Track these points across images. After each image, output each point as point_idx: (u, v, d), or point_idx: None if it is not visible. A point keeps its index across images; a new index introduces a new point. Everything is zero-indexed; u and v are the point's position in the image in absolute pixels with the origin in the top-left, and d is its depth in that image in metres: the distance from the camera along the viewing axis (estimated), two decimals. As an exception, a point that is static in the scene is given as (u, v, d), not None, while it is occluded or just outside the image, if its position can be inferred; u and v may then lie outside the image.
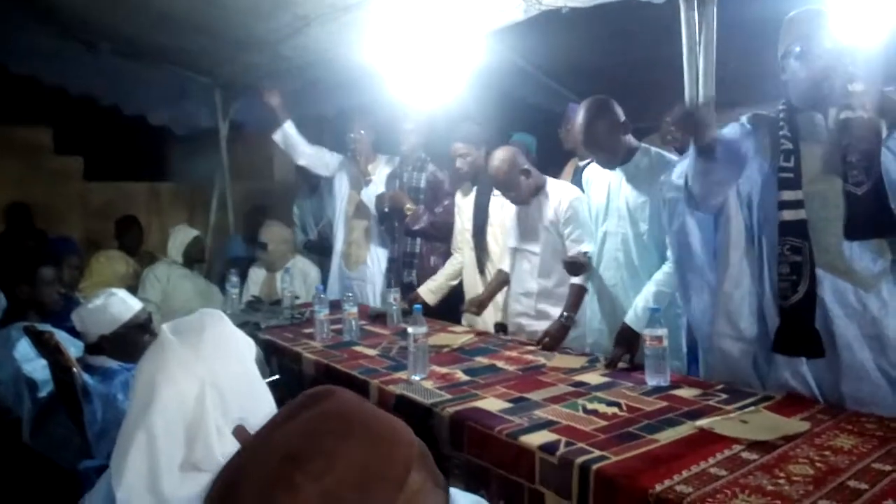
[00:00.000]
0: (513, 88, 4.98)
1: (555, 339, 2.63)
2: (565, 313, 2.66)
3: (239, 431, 0.70)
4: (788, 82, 1.91)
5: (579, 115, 2.47)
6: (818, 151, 1.84)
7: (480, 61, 3.31)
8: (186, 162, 6.49)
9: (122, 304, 2.19)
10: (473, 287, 3.38)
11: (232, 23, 3.40)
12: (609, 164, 2.52)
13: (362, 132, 3.96)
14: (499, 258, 3.23)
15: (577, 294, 2.69)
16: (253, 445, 0.65)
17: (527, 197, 2.89)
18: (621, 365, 2.30)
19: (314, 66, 3.90)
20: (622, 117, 2.46)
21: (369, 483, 0.59)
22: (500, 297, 3.19)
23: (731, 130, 1.97)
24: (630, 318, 2.36)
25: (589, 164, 2.90)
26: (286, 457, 0.60)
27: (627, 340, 2.34)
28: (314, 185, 4.74)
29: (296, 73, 4.08)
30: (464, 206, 3.48)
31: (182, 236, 4.08)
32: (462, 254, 3.48)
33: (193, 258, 4.09)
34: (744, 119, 1.98)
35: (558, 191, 2.86)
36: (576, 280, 2.71)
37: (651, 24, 3.33)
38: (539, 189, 2.89)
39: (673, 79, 2.46)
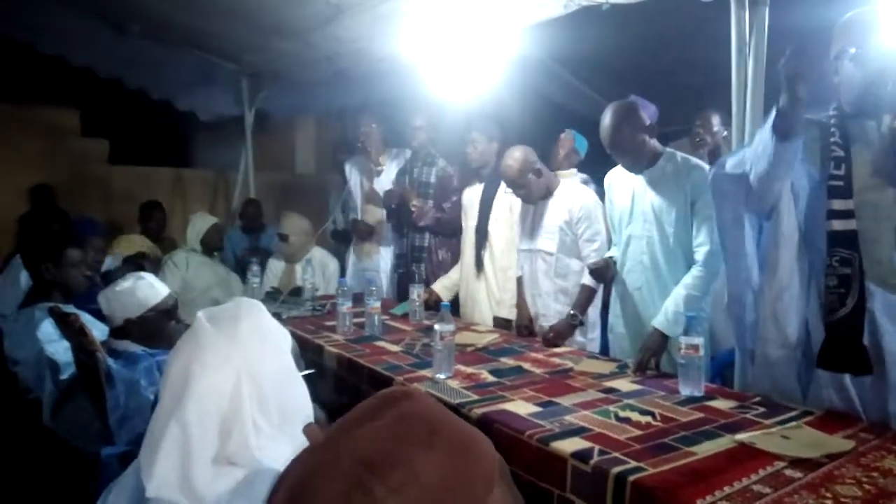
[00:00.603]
0: (540, 86, 4.93)
1: (559, 336, 2.67)
2: (572, 311, 2.70)
3: (310, 431, 0.66)
4: (841, 85, 1.84)
5: (605, 118, 2.42)
6: (870, 159, 1.77)
7: (513, 56, 3.26)
8: (210, 149, 6.51)
9: (150, 289, 2.17)
10: (468, 283, 3.40)
11: (263, 8, 3.38)
12: (634, 167, 2.48)
13: (373, 125, 3.98)
14: (501, 254, 3.23)
15: (587, 294, 2.75)
16: (326, 448, 0.61)
17: (537, 196, 2.91)
18: (649, 372, 2.24)
19: (343, 57, 3.88)
20: (647, 121, 2.43)
21: (451, 496, 0.55)
22: (508, 295, 3.19)
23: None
24: (659, 322, 2.31)
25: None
26: (366, 462, 0.56)
27: (656, 344, 2.29)
28: (348, 178, 4.72)
29: (324, 63, 4.06)
30: (469, 206, 3.46)
31: (201, 223, 4.07)
32: (463, 249, 3.49)
33: (212, 246, 4.08)
34: None
35: (572, 191, 2.89)
36: (588, 281, 2.72)
37: (687, 25, 3.28)
38: (552, 190, 2.90)
39: (704, 83, 2.42)
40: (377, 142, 4.00)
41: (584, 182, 3.69)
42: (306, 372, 1.21)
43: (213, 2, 3.41)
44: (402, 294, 3.66)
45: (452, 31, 3.04)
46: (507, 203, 3.25)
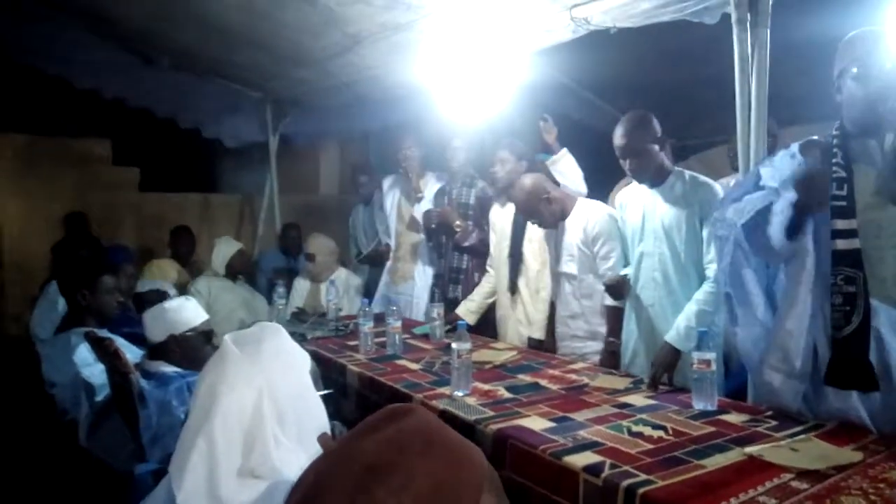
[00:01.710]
0: (557, 105, 4.99)
1: (611, 367, 2.68)
2: (610, 339, 2.72)
3: (324, 440, 0.74)
4: (843, 103, 1.88)
5: (619, 124, 2.51)
6: (872, 179, 1.80)
7: (526, 79, 3.34)
8: (237, 174, 6.69)
9: (196, 310, 2.29)
10: (505, 308, 3.40)
11: (284, 39, 3.51)
12: (641, 174, 2.54)
13: (413, 149, 4.02)
14: (535, 275, 3.25)
15: (616, 316, 2.75)
16: (337, 453, 0.69)
17: (550, 222, 2.97)
18: (663, 387, 2.28)
19: (361, 83, 3.99)
20: (659, 133, 2.50)
21: (442, 501, 0.62)
22: (540, 316, 3.21)
23: (780, 159, 1.93)
24: (672, 337, 2.35)
25: (628, 185, 2.90)
26: (369, 467, 0.64)
27: (668, 359, 2.33)
28: (368, 199, 4.82)
29: (343, 90, 4.18)
30: (497, 222, 3.50)
31: (226, 249, 4.18)
32: (496, 271, 3.49)
33: (236, 270, 4.19)
34: (794, 147, 1.94)
35: (587, 210, 2.91)
36: (609, 302, 2.74)
37: (700, 42, 3.32)
38: (567, 212, 2.95)
39: (720, 98, 2.46)
40: (417, 166, 4.03)
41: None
42: (324, 392, 1.29)
43: (236, 34, 3.55)
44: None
45: (464, 57, 3.13)
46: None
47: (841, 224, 1.80)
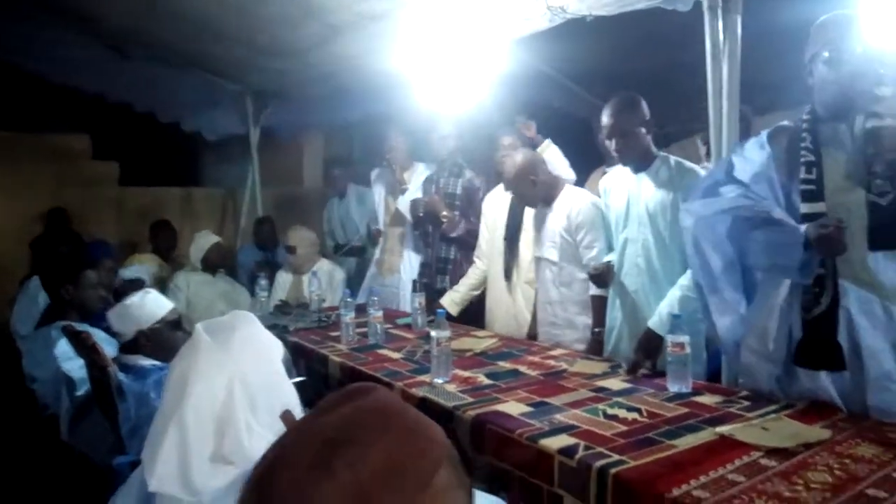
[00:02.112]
0: (538, 94, 5.01)
1: (593, 351, 2.72)
2: (596, 329, 2.73)
3: (285, 415, 0.76)
4: (815, 87, 1.89)
5: (608, 104, 2.50)
6: (841, 162, 1.83)
7: (506, 67, 3.35)
8: (218, 167, 6.66)
9: (158, 301, 2.29)
10: (499, 295, 3.37)
11: (263, 31, 3.49)
12: (627, 154, 2.52)
13: (398, 140, 4.00)
14: (528, 265, 3.24)
15: (601, 306, 2.74)
16: (298, 429, 0.71)
17: (528, 201, 3.00)
18: (643, 371, 2.30)
19: (342, 74, 3.98)
20: (648, 116, 2.49)
21: (399, 474, 0.64)
22: (532, 305, 3.20)
23: (750, 149, 1.95)
24: (654, 323, 2.36)
25: (612, 170, 2.91)
26: (326, 441, 0.65)
27: (650, 345, 2.34)
28: (342, 192, 4.82)
29: (324, 80, 4.16)
30: (488, 212, 3.49)
31: (202, 242, 4.17)
32: (485, 262, 3.47)
33: (213, 263, 4.16)
34: (763, 134, 1.96)
35: (571, 198, 2.90)
36: (595, 291, 2.75)
37: (678, 29, 3.35)
38: (553, 197, 2.94)
39: (698, 86, 2.48)
40: (402, 157, 4.00)
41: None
42: (297, 379, 1.30)
43: (214, 27, 3.53)
44: (429, 304, 3.45)
45: (443, 46, 3.13)
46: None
47: (809, 208, 1.83)
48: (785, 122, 1.97)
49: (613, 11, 2.52)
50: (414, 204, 3.78)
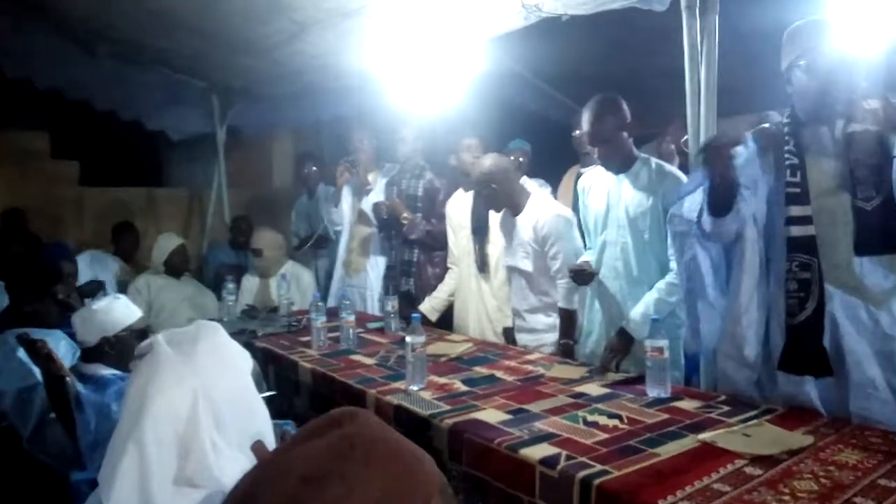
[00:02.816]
0: (512, 95, 4.98)
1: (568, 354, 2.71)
2: (562, 341, 2.71)
3: (257, 448, 0.68)
4: (795, 95, 1.88)
5: (588, 108, 2.45)
6: (825, 165, 1.82)
7: (480, 68, 3.30)
8: (184, 167, 6.49)
9: (127, 308, 2.19)
10: (469, 295, 3.35)
11: (227, 26, 3.39)
12: (610, 160, 2.48)
13: (364, 142, 3.97)
14: (495, 264, 3.23)
15: (569, 319, 2.74)
16: (271, 462, 0.63)
17: (489, 206, 3.01)
18: (617, 376, 2.27)
19: (311, 72, 3.89)
20: (628, 118, 2.45)
21: None
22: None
23: (740, 154, 1.91)
24: (627, 325, 2.35)
25: (588, 170, 2.88)
26: (304, 478, 0.58)
27: (620, 345, 2.34)
28: (312, 191, 4.73)
29: (292, 79, 4.08)
30: (452, 214, 3.47)
31: (165, 244, 4.01)
32: (459, 266, 3.45)
33: (176, 267, 4.01)
34: (749, 137, 1.94)
35: (537, 210, 2.87)
36: (563, 304, 2.74)
37: (652, 32, 3.34)
38: (519, 207, 2.91)
39: (673, 88, 2.45)
40: (367, 159, 3.98)
41: (541, 186, 3.73)
42: (267, 394, 1.22)
43: (178, 22, 3.41)
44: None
45: (415, 44, 3.07)
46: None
47: (795, 210, 1.81)
48: (766, 125, 1.96)
49: (589, 11, 2.48)
50: (376, 207, 3.77)
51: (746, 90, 3.61)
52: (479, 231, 3.28)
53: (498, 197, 2.90)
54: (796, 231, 1.81)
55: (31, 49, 3.91)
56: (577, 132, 3.67)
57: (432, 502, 0.61)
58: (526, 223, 2.87)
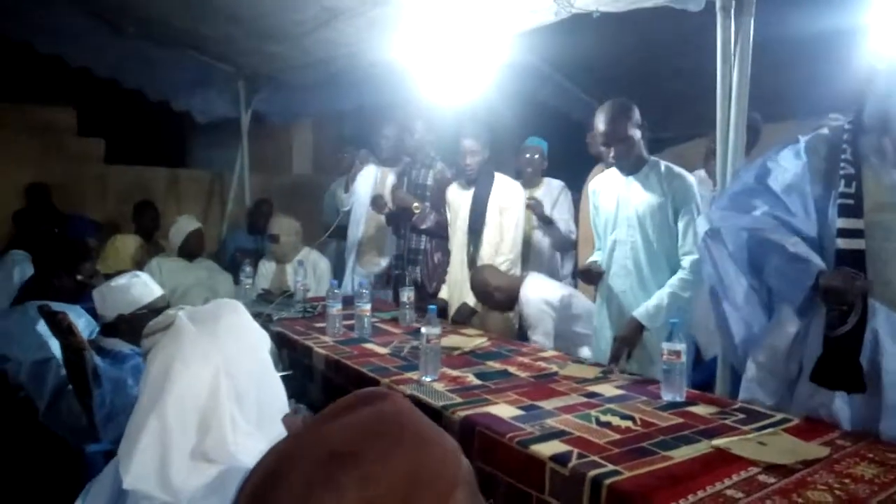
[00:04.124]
0: (534, 91, 4.96)
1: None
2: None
3: (289, 420, 0.68)
4: (869, 93, 1.79)
5: (603, 110, 2.49)
6: (885, 178, 1.75)
7: (506, 61, 3.29)
8: (207, 150, 6.54)
9: (145, 287, 2.21)
10: (454, 284, 3.45)
11: (259, 12, 3.40)
12: (623, 161, 2.53)
13: (390, 136, 4.02)
14: (488, 258, 3.31)
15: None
16: (302, 436, 0.63)
17: (504, 307, 3.17)
18: (630, 377, 2.27)
19: (337, 60, 3.90)
20: (640, 121, 2.50)
21: (412, 496, 0.57)
22: None
23: (785, 157, 1.88)
24: (640, 313, 2.40)
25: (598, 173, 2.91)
26: (335, 454, 0.58)
27: (631, 333, 2.37)
28: (344, 173, 4.75)
29: (319, 67, 4.09)
30: (454, 199, 3.52)
31: (184, 226, 4.01)
32: (452, 246, 3.54)
33: (191, 250, 4.01)
34: (801, 142, 1.87)
35: (525, 296, 3.02)
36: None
37: (679, 33, 3.31)
38: (513, 301, 3.07)
39: (698, 91, 2.45)
40: (391, 154, 4.05)
41: (561, 189, 3.78)
42: (284, 373, 1.23)
43: (209, 6, 3.43)
44: (397, 297, 3.67)
45: (445, 36, 3.06)
46: (496, 207, 3.32)
47: (846, 223, 1.75)
48: (824, 131, 1.87)
49: (622, 8, 2.47)
50: (374, 201, 3.80)
51: (791, 95, 3.57)
52: (475, 231, 3.36)
53: (495, 303, 3.12)
54: (845, 244, 1.75)
55: (62, 26, 3.95)
56: (592, 135, 3.69)
57: (457, 490, 0.60)
58: (521, 305, 3.01)
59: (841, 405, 1.79)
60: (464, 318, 3.29)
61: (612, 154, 2.51)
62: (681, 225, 2.44)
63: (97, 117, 5.58)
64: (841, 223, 1.76)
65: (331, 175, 5.19)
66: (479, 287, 3.12)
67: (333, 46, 3.65)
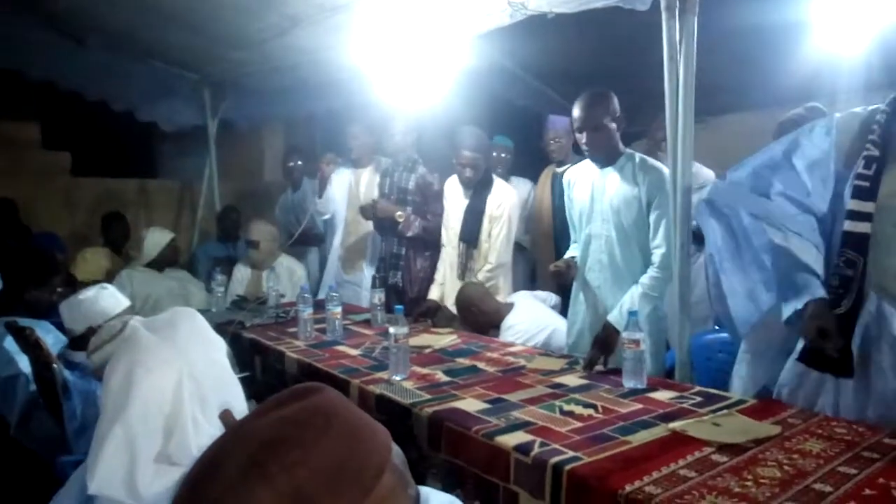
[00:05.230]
0: (501, 90, 5.00)
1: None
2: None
3: (225, 415, 0.73)
4: None
5: (581, 98, 2.48)
6: None
7: (468, 63, 3.34)
8: (176, 159, 6.50)
9: (113, 298, 2.22)
10: (446, 286, 3.43)
11: (220, 20, 3.40)
12: (597, 150, 2.50)
13: (359, 135, 3.99)
14: (476, 274, 3.31)
15: None
16: (236, 429, 0.68)
17: (485, 328, 3.13)
18: (599, 368, 2.32)
19: (302, 66, 3.90)
20: (618, 112, 2.49)
21: (340, 479, 0.61)
22: None
23: (818, 132, 1.82)
24: (614, 317, 2.38)
25: (566, 170, 2.93)
26: (265, 443, 0.63)
27: (606, 339, 2.35)
28: (297, 184, 4.75)
29: (284, 73, 4.08)
30: (449, 195, 3.49)
31: (159, 238, 3.99)
32: (446, 243, 3.50)
33: (169, 261, 4.01)
34: (833, 118, 1.82)
35: (510, 322, 3.03)
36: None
37: (641, 31, 3.38)
38: (499, 321, 3.06)
39: (660, 86, 2.50)
40: (361, 153, 4.02)
41: (530, 189, 3.81)
42: (241, 375, 1.27)
43: (170, 15, 3.43)
44: (386, 304, 3.50)
45: (403, 40, 3.10)
46: (488, 215, 3.30)
47: (857, 205, 1.71)
48: (858, 109, 1.81)
49: (574, 9, 2.52)
50: (363, 210, 3.75)
51: (735, 88, 3.66)
52: (468, 241, 3.33)
53: (477, 325, 3.09)
54: (851, 226, 1.71)
55: (22, 40, 3.91)
56: (547, 139, 3.74)
57: (384, 475, 0.65)
58: (504, 334, 3.00)
59: (829, 390, 1.80)
60: (441, 322, 3.24)
61: (583, 140, 2.49)
62: (652, 218, 2.42)
63: (62, 130, 5.52)
64: (852, 205, 1.71)
65: (282, 185, 5.16)
66: (463, 303, 3.09)
67: (297, 53, 3.66)
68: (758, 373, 2.01)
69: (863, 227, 1.69)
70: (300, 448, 0.62)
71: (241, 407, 1.14)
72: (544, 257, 3.75)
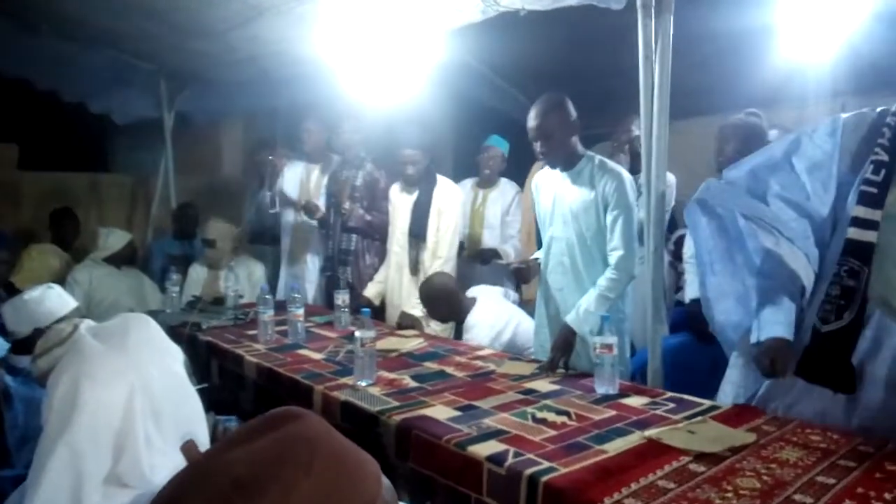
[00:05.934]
0: (467, 90, 4.96)
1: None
2: None
3: (188, 448, 0.63)
4: None
5: (535, 105, 2.46)
6: None
7: (436, 60, 3.27)
8: (131, 153, 6.27)
9: (60, 299, 2.10)
10: (398, 288, 3.46)
11: (179, 8, 3.26)
12: (554, 157, 2.50)
13: (312, 132, 3.96)
14: (425, 271, 3.32)
15: None
16: (203, 465, 0.58)
17: (448, 319, 3.16)
18: (561, 371, 2.29)
19: (265, 58, 3.80)
20: (574, 117, 2.47)
21: None
22: None
23: (820, 133, 1.76)
24: (570, 318, 2.38)
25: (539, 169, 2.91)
26: (236, 482, 0.54)
27: (565, 340, 2.35)
28: (263, 178, 4.63)
29: (246, 64, 3.96)
30: (394, 198, 3.53)
31: (115, 239, 3.86)
32: (390, 248, 3.55)
33: (126, 260, 3.89)
34: (839, 119, 1.75)
35: (476, 319, 2.99)
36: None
37: (609, 32, 3.37)
38: (464, 316, 3.03)
39: (628, 88, 2.48)
40: (316, 148, 3.99)
41: (515, 192, 3.82)
42: (199, 386, 1.17)
43: (126, 1, 3.28)
44: (329, 299, 3.64)
45: (371, 33, 3.02)
46: (436, 209, 3.35)
47: (862, 212, 1.64)
48: (866, 110, 1.73)
49: (546, 6, 2.47)
50: (307, 207, 3.78)
51: (701, 91, 3.68)
52: (417, 235, 3.39)
53: (440, 315, 3.10)
54: (856, 234, 1.64)
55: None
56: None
57: None
58: (470, 330, 2.97)
59: (815, 397, 1.75)
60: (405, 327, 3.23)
61: (537, 148, 2.47)
62: (609, 220, 2.41)
63: (8, 121, 5.27)
64: (857, 211, 1.64)
65: (240, 182, 5.06)
66: (428, 293, 3.03)
67: (260, 43, 3.54)
68: (749, 379, 1.98)
69: (868, 235, 1.62)
70: (278, 488, 0.53)
71: (199, 420, 1.05)
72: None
